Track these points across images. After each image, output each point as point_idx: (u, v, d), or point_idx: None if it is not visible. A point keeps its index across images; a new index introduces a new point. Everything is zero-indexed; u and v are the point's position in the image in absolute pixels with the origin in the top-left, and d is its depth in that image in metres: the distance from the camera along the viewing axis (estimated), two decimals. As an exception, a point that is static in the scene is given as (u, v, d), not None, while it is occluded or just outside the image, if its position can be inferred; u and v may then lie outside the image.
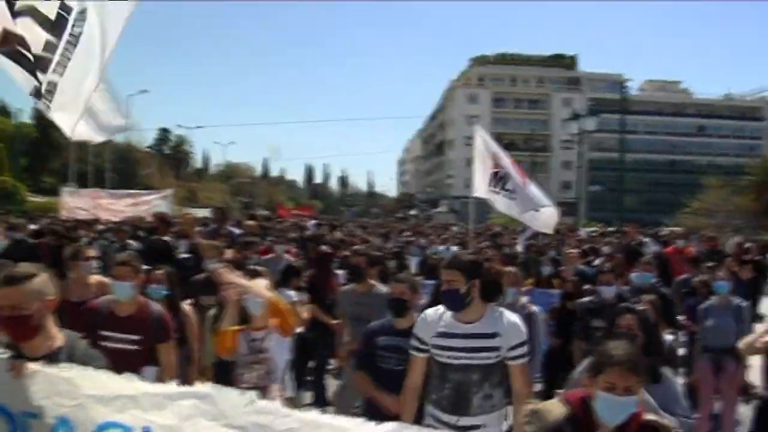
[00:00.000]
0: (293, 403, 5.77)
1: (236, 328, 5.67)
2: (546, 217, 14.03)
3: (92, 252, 7.70)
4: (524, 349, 4.94)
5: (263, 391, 5.44)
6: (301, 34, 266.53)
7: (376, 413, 5.67)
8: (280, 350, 5.69)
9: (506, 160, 13.40)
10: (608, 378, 3.29)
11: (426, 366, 5.05)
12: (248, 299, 5.63)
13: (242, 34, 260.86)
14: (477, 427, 4.87)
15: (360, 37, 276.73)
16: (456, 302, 4.86)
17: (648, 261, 10.09)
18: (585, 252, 18.09)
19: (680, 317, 9.53)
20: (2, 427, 3.48)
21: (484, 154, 13.20)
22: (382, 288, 7.80)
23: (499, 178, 13.11)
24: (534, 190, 13.59)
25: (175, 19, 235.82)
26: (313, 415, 3.38)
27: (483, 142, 13.38)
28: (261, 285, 5.80)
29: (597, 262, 13.44)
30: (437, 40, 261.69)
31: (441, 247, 18.61)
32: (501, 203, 13.24)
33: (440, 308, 5.05)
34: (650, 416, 3.44)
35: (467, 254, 5.42)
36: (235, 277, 5.48)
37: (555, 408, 3.47)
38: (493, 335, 4.84)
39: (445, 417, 4.88)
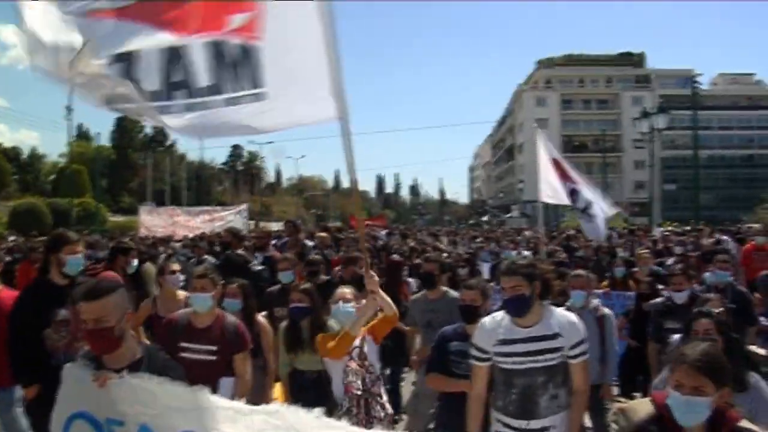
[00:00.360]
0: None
1: (349, 332, 5.70)
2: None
3: (177, 266, 7.91)
4: (584, 347, 4.95)
5: (378, 396, 5.59)
6: (367, 44, 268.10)
7: (448, 420, 5.76)
8: (373, 358, 5.78)
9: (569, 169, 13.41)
10: (677, 377, 3.29)
11: (489, 374, 5.08)
12: (336, 308, 5.80)
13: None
14: (547, 428, 4.87)
15: (426, 45, 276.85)
16: (522, 308, 4.87)
17: (724, 259, 9.89)
18: (659, 252, 17.86)
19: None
20: None
21: (545, 158, 13.14)
22: (454, 294, 7.82)
23: (572, 193, 13.06)
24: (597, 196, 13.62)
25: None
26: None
27: (545, 147, 13.32)
28: (347, 293, 5.94)
29: (670, 261, 13.20)
30: (503, 44, 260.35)
31: (513, 252, 18.49)
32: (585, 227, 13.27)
33: (497, 315, 5.09)
34: (745, 424, 3.36)
35: (522, 259, 5.42)
36: (378, 288, 5.41)
37: (642, 407, 3.50)
38: (554, 336, 4.86)
39: (515, 422, 4.90)
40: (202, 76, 4.36)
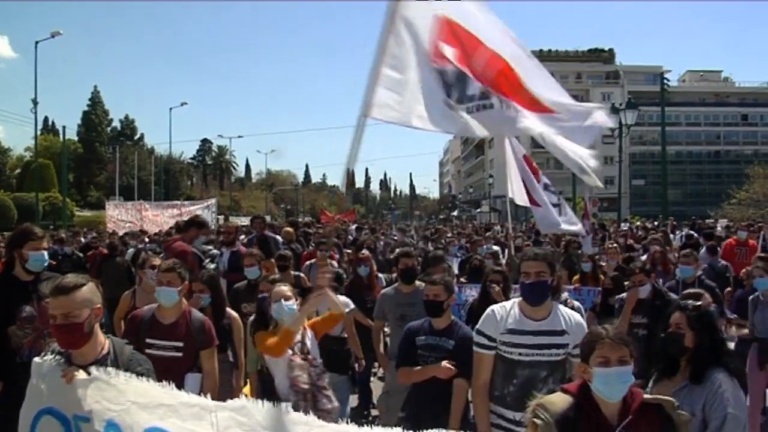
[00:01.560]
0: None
1: (289, 328, 5.69)
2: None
3: (157, 260, 7.83)
4: None
5: (324, 389, 5.60)
6: (336, 41, 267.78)
7: (417, 412, 5.75)
8: (315, 352, 5.80)
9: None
10: (601, 353, 3.46)
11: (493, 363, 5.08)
12: (279, 306, 5.74)
13: (280, 43, 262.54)
14: None
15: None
16: (544, 294, 4.95)
17: (686, 254, 9.98)
18: (629, 246, 18.04)
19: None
20: (58, 429, 3.63)
21: (512, 157, 13.21)
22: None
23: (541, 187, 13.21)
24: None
25: (213, 28, 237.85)
26: (348, 427, 3.43)
27: (510, 145, 13.41)
28: (285, 291, 5.89)
29: (644, 257, 13.30)
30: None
31: (483, 247, 18.51)
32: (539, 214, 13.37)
33: (506, 305, 5.12)
34: (649, 396, 3.56)
35: (548, 248, 5.49)
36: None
37: (558, 399, 3.60)
38: (562, 332, 4.92)
39: (508, 413, 4.93)
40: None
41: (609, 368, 3.41)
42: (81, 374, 3.63)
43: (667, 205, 40.19)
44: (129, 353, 4.03)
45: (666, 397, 3.55)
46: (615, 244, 13.94)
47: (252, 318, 6.89)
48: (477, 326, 5.17)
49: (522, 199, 13.12)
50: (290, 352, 5.63)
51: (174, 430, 3.43)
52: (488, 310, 5.19)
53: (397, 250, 10.30)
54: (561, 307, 5.16)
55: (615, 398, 3.42)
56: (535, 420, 3.52)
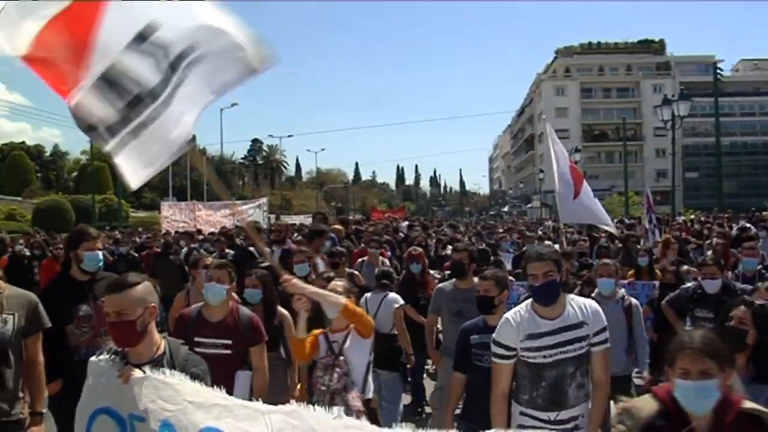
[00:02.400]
0: (372, 404, 5.75)
1: (317, 332, 5.76)
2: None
3: (210, 260, 7.89)
4: (606, 335, 4.93)
5: (343, 392, 5.50)
6: (387, 37, 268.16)
7: (474, 415, 5.69)
8: (358, 353, 5.70)
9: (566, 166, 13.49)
10: (681, 364, 3.26)
11: (513, 371, 5.01)
12: (325, 304, 5.68)
13: (329, 41, 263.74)
14: (575, 418, 4.86)
15: (445, 36, 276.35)
16: (555, 294, 4.85)
17: (751, 246, 9.72)
18: (684, 240, 17.69)
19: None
20: (114, 429, 3.66)
21: (552, 150, 13.19)
22: None
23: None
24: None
25: (261, 27, 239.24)
26: (401, 430, 3.38)
27: (551, 139, 13.40)
28: (338, 287, 5.79)
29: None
30: (522, 34, 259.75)
31: (534, 244, 18.32)
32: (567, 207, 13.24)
33: (519, 310, 5.02)
34: (749, 404, 3.33)
35: (549, 247, 5.37)
36: (304, 287, 5.43)
37: (646, 404, 3.44)
38: (580, 324, 4.83)
39: (542, 414, 4.86)
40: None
41: (688, 381, 3.24)
42: (137, 373, 3.65)
43: (723, 198, 39.37)
44: (185, 354, 4.05)
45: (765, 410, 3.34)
46: (672, 238, 13.66)
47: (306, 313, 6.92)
48: (494, 336, 5.07)
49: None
50: (326, 351, 5.62)
51: (229, 429, 3.43)
52: (504, 318, 5.09)
53: (449, 246, 10.23)
54: (573, 297, 5.06)
55: (697, 412, 3.25)
56: (619, 426, 3.41)
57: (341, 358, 5.61)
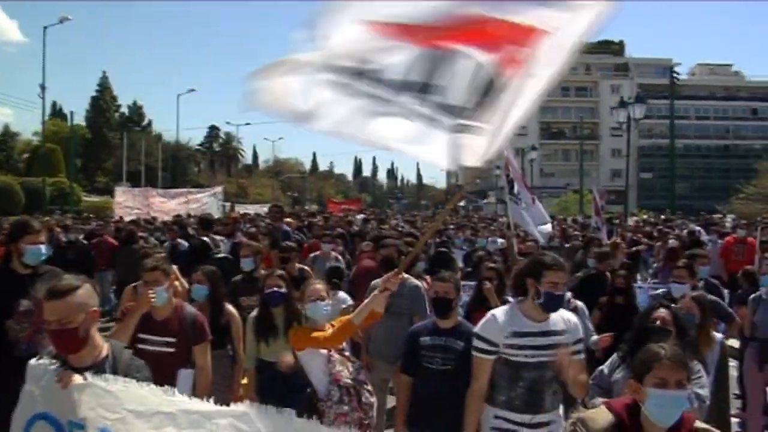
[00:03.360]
0: None
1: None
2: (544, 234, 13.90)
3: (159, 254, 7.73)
4: (582, 346, 5.05)
5: (366, 384, 5.53)
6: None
7: (417, 418, 5.69)
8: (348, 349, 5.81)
9: (515, 167, 13.60)
10: (658, 374, 3.26)
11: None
12: (315, 307, 5.60)
13: (286, 31, 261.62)
14: (548, 423, 4.92)
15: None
16: (562, 304, 5.00)
17: (704, 254, 9.84)
18: (633, 241, 17.92)
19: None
20: None
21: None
22: (414, 281, 7.85)
23: (509, 181, 13.18)
24: (540, 206, 13.63)
25: (221, 13, 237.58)
26: None
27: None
28: (320, 290, 5.73)
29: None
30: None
31: (486, 240, 18.32)
32: (511, 209, 13.27)
33: (506, 308, 5.09)
34: (701, 424, 3.37)
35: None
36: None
37: (600, 416, 3.43)
38: (563, 332, 4.91)
39: (518, 417, 4.89)
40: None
41: (666, 391, 3.23)
42: (77, 379, 3.56)
43: (675, 199, 40.01)
44: (128, 358, 3.95)
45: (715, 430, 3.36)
46: (621, 240, 13.80)
47: (254, 314, 6.82)
48: (477, 330, 5.10)
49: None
50: (326, 349, 5.53)
51: None
52: (489, 314, 5.12)
53: (382, 241, 10.10)
54: None
55: (667, 423, 3.25)
56: None
57: (346, 353, 5.63)
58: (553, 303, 4.89)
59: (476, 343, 5.03)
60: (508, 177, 13.17)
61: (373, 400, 5.55)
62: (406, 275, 7.92)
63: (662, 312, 5.11)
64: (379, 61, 4.04)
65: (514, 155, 13.41)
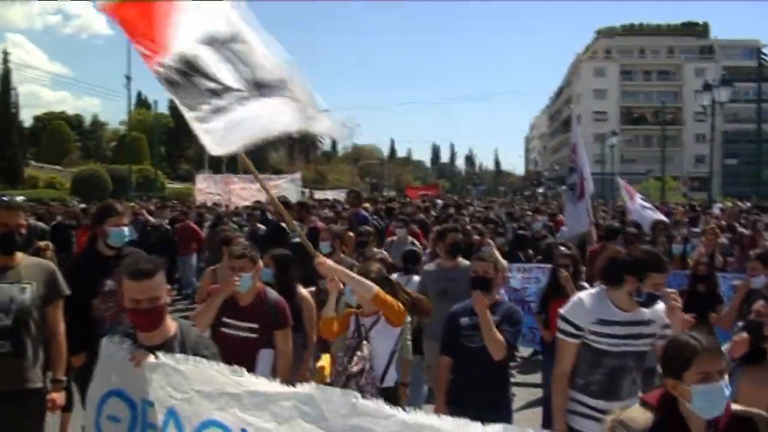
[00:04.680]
0: (394, 392, 5.68)
1: (350, 311, 5.77)
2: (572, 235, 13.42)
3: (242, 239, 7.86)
4: (668, 330, 4.87)
5: (358, 377, 5.46)
6: (426, 16, 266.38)
7: (460, 395, 5.69)
8: (384, 340, 5.64)
9: (578, 156, 13.31)
10: (701, 368, 3.15)
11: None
12: (347, 288, 5.62)
13: (367, 16, 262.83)
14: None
15: (484, 15, 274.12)
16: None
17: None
18: (721, 229, 17.38)
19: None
20: (125, 411, 3.70)
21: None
22: (467, 263, 7.75)
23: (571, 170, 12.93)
24: (584, 205, 13.16)
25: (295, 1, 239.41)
26: (416, 416, 3.29)
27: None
28: (372, 271, 5.72)
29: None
30: (562, 13, 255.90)
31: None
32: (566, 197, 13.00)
33: (592, 293, 5.02)
34: (738, 407, 3.30)
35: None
36: (336, 268, 5.39)
37: (639, 414, 3.34)
38: (648, 322, 4.85)
39: (594, 402, 4.86)
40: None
41: (711, 384, 3.13)
42: (150, 358, 3.69)
43: (761, 186, 38.76)
44: (195, 336, 4.08)
45: (759, 412, 3.28)
46: (715, 227, 13.33)
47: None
48: (563, 313, 5.01)
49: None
50: (353, 333, 5.61)
51: (232, 422, 3.43)
52: (576, 298, 5.08)
53: (444, 225, 10.07)
54: None
55: (715, 414, 3.18)
56: None
57: (365, 342, 5.58)
58: (652, 302, 4.84)
59: (561, 325, 4.99)
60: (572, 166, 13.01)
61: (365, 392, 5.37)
62: (461, 258, 7.93)
63: (759, 304, 4.74)
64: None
65: (592, 141, 13.06)
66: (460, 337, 5.81)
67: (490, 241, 10.54)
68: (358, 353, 5.50)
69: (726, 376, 3.20)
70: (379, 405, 3.36)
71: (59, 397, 5.20)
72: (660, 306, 4.93)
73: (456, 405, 5.66)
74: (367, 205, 16.07)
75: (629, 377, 4.86)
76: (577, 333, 4.89)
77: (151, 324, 3.83)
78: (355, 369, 5.46)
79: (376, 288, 5.41)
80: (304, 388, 3.44)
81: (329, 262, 5.44)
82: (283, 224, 12.51)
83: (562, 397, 4.97)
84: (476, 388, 5.24)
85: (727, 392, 3.18)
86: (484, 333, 5.49)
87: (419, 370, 7.85)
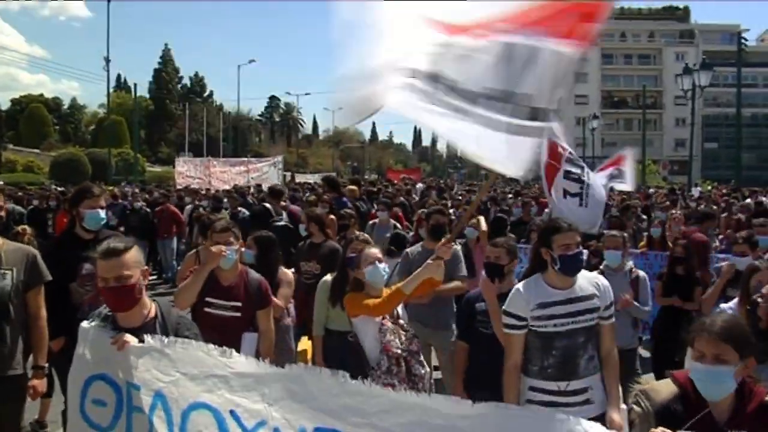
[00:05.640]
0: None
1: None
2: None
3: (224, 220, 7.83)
4: (612, 310, 4.98)
5: (417, 354, 5.52)
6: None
7: (479, 380, 5.69)
8: (405, 318, 5.74)
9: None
10: (698, 347, 3.16)
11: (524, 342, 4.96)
12: (374, 269, 5.54)
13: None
14: (585, 390, 4.82)
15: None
16: (581, 265, 4.93)
17: (764, 223, 9.57)
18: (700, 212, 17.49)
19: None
20: (110, 395, 3.67)
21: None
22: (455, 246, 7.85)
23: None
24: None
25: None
26: (406, 395, 3.33)
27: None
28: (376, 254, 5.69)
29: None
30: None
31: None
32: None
33: (529, 280, 5.00)
34: None
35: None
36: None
37: (664, 387, 3.36)
38: (591, 296, 4.83)
39: (552, 385, 4.83)
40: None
41: (702, 365, 3.13)
42: (133, 340, 3.65)
43: (741, 170, 39.03)
44: (176, 317, 4.05)
45: None
46: (677, 212, 13.52)
47: (328, 278, 6.83)
48: (504, 308, 5.02)
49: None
50: (381, 317, 5.52)
51: (220, 404, 3.42)
52: (513, 289, 5.07)
53: (430, 208, 10.06)
54: (582, 271, 5.00)
55: (711, 398, 3.16)
56: (635, 407, 3.35)
57: (401, 321, 5.61)
58: (571, 265, 4.82)
59: (505, 319, 4.98)
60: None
61: (425, 371, 5.53)
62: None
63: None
64: (453, 69, 3.97)
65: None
66: (476, 322, 5.81)
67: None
68: (403, 333, 5.52)
69: (727, 366, 3.11)
70: (368, 385, 3.37)
71: (41, 384, 5.17)
72: (604, 282, 4.97)
73: (472, 389, 5.69)
74: (353, 187, 16.00)
75: (585, 354, 4.83)
76: (520, 324, 4.88)
77: (119, 303, 3.80)
78: (414, 347, 5.52)
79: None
80: (293, 369, 3.43)
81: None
82: (268, 206, 12.50)
83: (514, 391, 4.93)
84: (492, 372, 5.22)
85: (723, 379, 3.12)
86: (492, 319, 5.47)
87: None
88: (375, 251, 5.73)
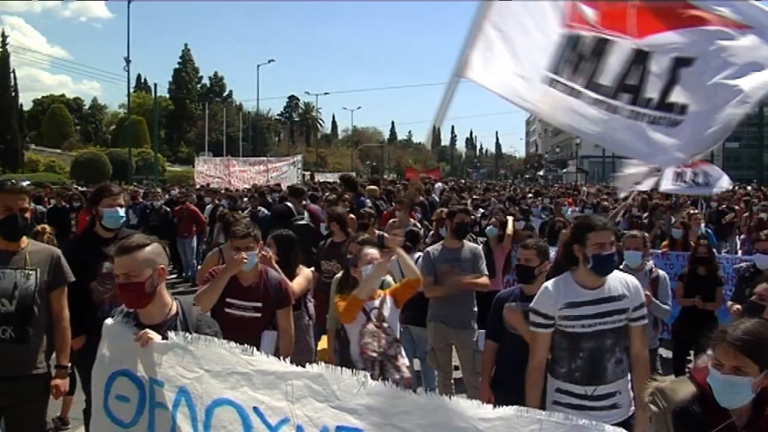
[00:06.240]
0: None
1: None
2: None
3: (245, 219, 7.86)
4: (645, 311, 4.86)
5: (394, 359, 5.49)
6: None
7: (507, 380, 5.66)
8: (394, 321, 5.68)
9: None
10: (717, 355, 3.08)
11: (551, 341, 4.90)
12: (366, 269, 5.57)
13: (366, 2, 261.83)
14: (612, 394, 4.76)
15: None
16: (613, 265, 4.84)
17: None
18: (721, 212, 17.40)
19: None
20: (133, 390, 3.67)
21: None
22: (472, 244, 7.99)
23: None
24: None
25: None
26: (427, 397, 3.30)
27: None
28: (373, 255, 5.68)
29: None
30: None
31: (569, 209, 18.10)
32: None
33: (559, 280, 4.91)
34: None
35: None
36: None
37: (682, 387, 3.29)
38: (620, 297, 4.73)
39: (579, 389, 4.76)
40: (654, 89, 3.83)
41: (720, 374, 3.05)
42: (156, 337, 3.67)
43: (763, 169, 38.69)
44: (197, 315, 4.06)
45: None
46: (696, 211, 13.42)
47: (338, 276, 6.85)
48: (531, 305, 4.97)
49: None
50: (365, 318, 5.54)
51: (243, 400, 3.42)
52: (542, 287, 4.99)
53: (454, 207, 10.07)
54: (613, 271, 4.92)
55: (728, 405, 3.09)
56: (651, 406, 3.29)
57: (385, 324, 5.57)
58: (604, 265, 4.72)
59: (532, 317, 4.92)
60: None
61: (399, 376, 5.41)
62: (465, 241, 7.90)
63: (762, 287, 4.78)
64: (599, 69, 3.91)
65: None
66: (506, 323, 5.76)
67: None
68: (385, 336, 5.51)
69: (745, 377, 3.03)
70: (389, 386, 3.35)
71: (63, 383, 5.23)
72: (635, 283, 4.86)
73: (500, 389, 5.70)
74: (374, 187, 15.99)
75: (612, 358, 4.74)
76: (547, 323, 4.81)
77: (129, 299, 3.84)
78: (391, 352, 5.49)
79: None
80: (314, 368, 3.42)
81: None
82: (290, 205, 12.52)
83: (536, 391, 4.87)
84: (521, 372, 5.19)
85: (739, 390, 3.05)
86: (525, 336, 5.29)
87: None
88: (373, 251, 5.74)
